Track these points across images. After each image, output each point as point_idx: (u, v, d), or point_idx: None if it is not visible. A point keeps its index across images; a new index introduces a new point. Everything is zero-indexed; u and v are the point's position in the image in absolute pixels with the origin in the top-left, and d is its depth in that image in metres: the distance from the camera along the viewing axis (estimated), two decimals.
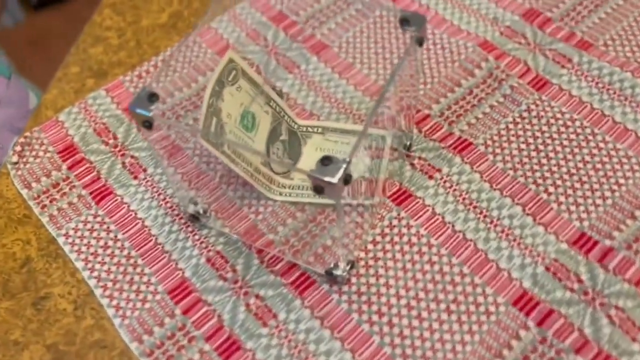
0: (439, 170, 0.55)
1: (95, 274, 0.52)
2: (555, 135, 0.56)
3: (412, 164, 0.56)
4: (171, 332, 0.48)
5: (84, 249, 0.53)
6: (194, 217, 0.53)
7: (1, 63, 0.61)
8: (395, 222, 0.53)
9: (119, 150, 0.59)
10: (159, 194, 0.56)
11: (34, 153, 0.59)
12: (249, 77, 0.52)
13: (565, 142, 0.56)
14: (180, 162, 0.57)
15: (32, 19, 1.90)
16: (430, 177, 0.55)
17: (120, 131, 0.61)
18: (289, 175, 0.56)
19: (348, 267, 0.49)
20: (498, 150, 0.56)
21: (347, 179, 0.38)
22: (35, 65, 1.78)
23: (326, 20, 0.67)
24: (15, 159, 0.59)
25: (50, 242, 0.54)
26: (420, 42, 0.44)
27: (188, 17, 0.70)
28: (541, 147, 0.56)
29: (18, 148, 0.60)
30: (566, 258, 0.49)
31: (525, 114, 0.58)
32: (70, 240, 0.54)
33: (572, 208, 0.52)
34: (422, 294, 0.49)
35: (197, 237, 0.53)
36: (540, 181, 0.54)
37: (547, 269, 0.49)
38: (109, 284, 0.51)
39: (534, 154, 0.56)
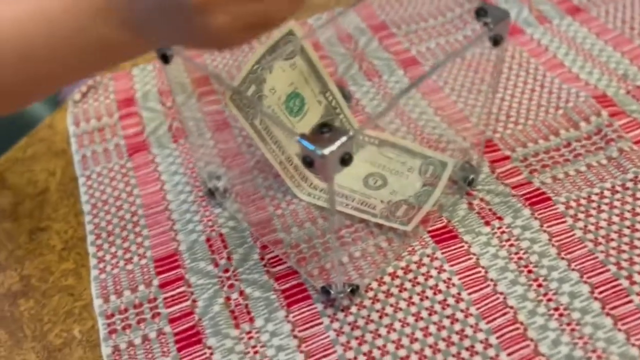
0: (500, 219, 0.45)
1: (96, 220, 0.49)
2: None
3: (470, 203, 0.47)
4: (140, 301, 0.43)
5: (97, 194, 0.50)
6: (211, 193, 0.49)
7: None
8: (426, 260, 0.43)
9: (172, 113, 0.57)
10: (189, 162, 0.52)
11: (95, 96, 0.59)
12: (308, 57, 0.47)
13: None
14: (223, 137, 0.53)
15: None
16: (487, 224, 0.45)
17: (179, 98, 0.58)
18: None
19: (347, 290, 0.41)
20: (581, 216, 0.45)
21: (344, 158, 0.30)
22: None
23: (427, 39, 0.61)
24: (77, 97, 0.59)
25: (72, 180, 0.52)
26: (495, 40, 0.36)
27: None
28: (639, 226, 0.44)
29: (84, 88, 0.60)
30: None
31: (629, 184, 0.47)
32: (89, 182, 0.51)
33: None
34: (428, 352, 0.39)
35: (207, 213, 0.48)
36: (625, 264, 0.42)
37: None
38: (103, 234, 0.47)
39: (627, 231, 0.44)
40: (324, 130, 0.30)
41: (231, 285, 0.43)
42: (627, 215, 0.45)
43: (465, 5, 0.63)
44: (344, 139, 0.30)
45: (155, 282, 0.44)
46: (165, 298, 0.43)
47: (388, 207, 0.46)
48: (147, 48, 0.34)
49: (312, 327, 0.41)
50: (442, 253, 0.44)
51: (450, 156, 0.49)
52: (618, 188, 0.46)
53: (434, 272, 0.43)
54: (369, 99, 0.56)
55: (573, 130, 0.51)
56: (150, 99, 0.58)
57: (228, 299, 0.43)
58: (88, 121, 0.57)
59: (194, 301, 0.43)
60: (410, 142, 0.50)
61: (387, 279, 0.43)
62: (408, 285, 0.42)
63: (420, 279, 0.42)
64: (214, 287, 0.43)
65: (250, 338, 0.40)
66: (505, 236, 0.44)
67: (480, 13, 0.36)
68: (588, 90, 0.54)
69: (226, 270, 0.44)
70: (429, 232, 0.45)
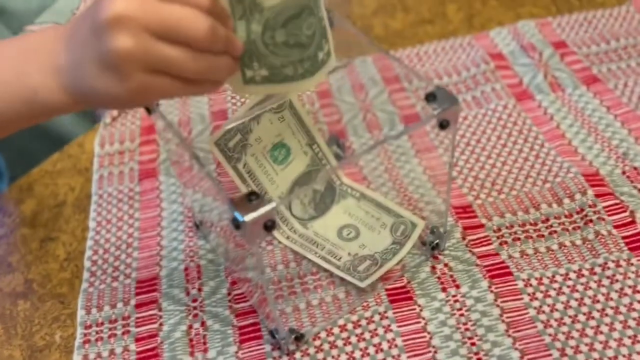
0: (457, 287, 0.46)
1: (97, 237, 0.54)
2: (622, 309, 0.44)
3: (433, 267, 0.48)
4: (115, 317, 0.48)
5: (104, 213, 0.56)
6: (197, 225, 0.53)
7: None
8: (377, 317, 0.45)
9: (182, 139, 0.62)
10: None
11: (124, 121, 0.65)
12: (296, 111, 0.50)
13: (632, 323, 0.43)
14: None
15: None
16: (444, 290, 0.46)
17: (197, 128, 0.63)
18: (306, 224, 0.52)
19: (292, 337, 0.43)
20: (539, 295, 0.45)
21: (267, 225, 0.33)
22: None
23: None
24: (108, 120, 0.65)
25: (87, 197, 0.58)
26: (442, 125, 0.38)
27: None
28: (596, 315, 0.44)
29: (115, 112, 0.66)
30: None
31: (597, 269, 0.46)
32: (100, 201, 0.57)
33: None
34: None
35: (191, 244, 0.52)
36: (569, 351, 0.42)
37: None
38: (100, 251, 0.53)
39: (582, 317, 0.44)
40: (252, 198, 0.34)
41: (195, 315, 0.47)
42: (587, 301, 0.45)
43: (480, 66, 0.65)
44: (266, 208, 0.33)
45: (133, 301, 0.49)
46: (137, 318, 0.48)
47: (352, 260, 0.48)
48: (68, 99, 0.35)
49: None
50: (394, 313, 0.46)
51: (425, 218, 0.50)
52: (585, 272, 0.46)
53: (380, 331, 0.45)
54: (364, 151, 0.58)
55: (556, 205, 0.51)
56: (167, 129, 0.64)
57: (190, 327, 0.47)
58: (112, 144, 0.63)
59: (161, 324, 0.47)
60: (388, 200, 0.52)
61: (336, 330, 0.45)
62: (354, 339, 0.44)
63: (367, 335, 0.45)
64: (180, 314, 0.47)
65: None
66: (457, 305, 0.45)
67: (429, 98, 0.38)
68: (581, 166, 0.53)
69: (195, 300, 0.48)
70: (387, 289, 0.47)
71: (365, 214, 0.52)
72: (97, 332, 0.47)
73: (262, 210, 0.33)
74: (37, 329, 0.48)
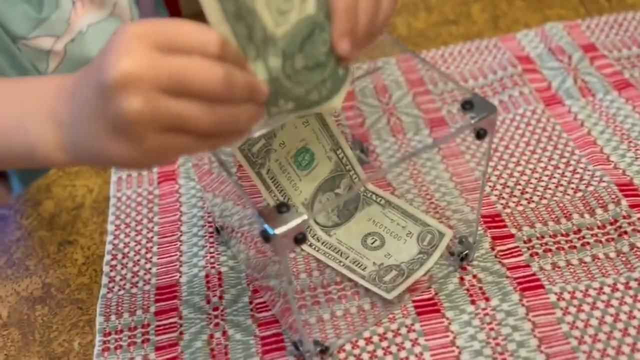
0: (487, 299, 0.45)
1: (116, 241, 0.53)
2: None
3: (461, 278, 0.47)
4: (135, 325, 0.47)
5: (122, 216, 0.55)
6: (217, 230, 0.52)
7: None
8: (404, 330, 0.44)
9: None
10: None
11: None
12: (321, 116, 0.49)
13: None
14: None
15: None
16: (473, 302, 0.45)
17: None
18: (329, 231, 0.51)
19: (317, 350, 0.42)
20: (572, 310, 0.44)
21: (298, 238, 0.32)
22: None
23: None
24: None
25: (105, 199, 0.57)
26: (479, 134, 0.37)
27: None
28: (632, 332, 0.42)
29: None
30: None
31: (633, 284, 0.45)
32: (119, 204, 0.56)
33: None
34: None
35: (212, 250, 0.51)
36: None
37: None
38: (119, 256, 0.52)
39: (617, 334, 0.42)
40: (282, 210, 0.32)
41: (217, 324, 0.46)
42: (622, 317, 0.43)
43: (508, 69, 0.63)
44: (297, 220, 0.32)
45: (152, 308, 0.48)
46: (157, 326, 0.47)
47: (378, 270, 0.47)
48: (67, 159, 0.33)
49: None
50: (421, 326, 0.44)
51: (452, 227, 0.49)
52: (620, 286, 0.45)
53: (407, 344, 0.43)
54: (388, 156, 0.57)
55: (588, 216, 0.49)
56: None
57: (211, 336, 0.46)
58: None
59: (181, 333, 0.46)
60: (414, 207, 0.51)
61: (361, 342, 0.44)
62: (380, 353, 0.43)
63: (393, 348, 0.43)
64: (201, 323, 0.46)
65: None
66: (487, 319, 0.44)
67: (465, 106, 0.37)
68: (614, 175, 0.52)
69: (216, 309, 0.47)
70: (414, 301, 0.46)
71: (391, 222, 0.50)
72: (116, 340, 0.46)
73: (293, 223, 0.32)
74: (55, 336, 0.48)
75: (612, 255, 0.47)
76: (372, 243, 0.49)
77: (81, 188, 0.59)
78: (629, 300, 0.44)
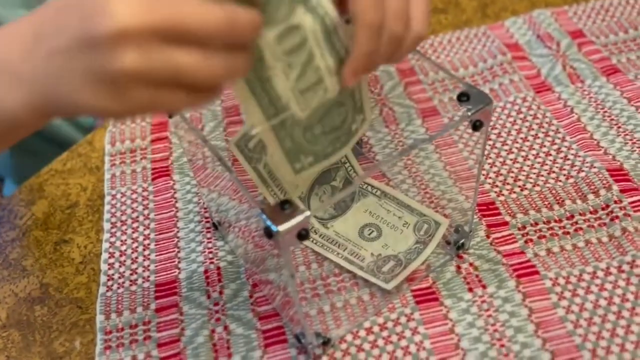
0: (484, 287, 0.46)
1: (113, 239, 0.53)
2: None
3: (458, 267, 0.47)
4: (136, 322, 0.47)
5: (118, 214, 0.55)
6: (215, 226, 0.52)
7: None
8: (403, 319, 0.45)
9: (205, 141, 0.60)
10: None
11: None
12: None
13: None
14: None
15: None
16: (470, 290, 0.46)
17: (210, 124, 0.62)
18: (326, 223, 0.51)
19: (319, 341, 0.43)
20: (567, 294, 0.45)
21: (301, 234, 0.32)
22: None
23: (452, 89, 0.61)
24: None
25: (99, 197, 0.57)
26: (475, 125, 0.37)
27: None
28: (625, 314, 0.43)
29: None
30: None
31: (625, 267, 0.46)
32: (114, 202, 0.56)
33: None
34: None
35: (210, 245, 0.51)
36: (601, 352, 0.41)
37: None
38: (116, 254, 0.52)
39: (612, 317, 0.43)
40: (285, 207, 0.32)
41: (218, 319, 0.47)
42: (616, 300, 0.44)
43: (497, 57, 0.63)
44: (300, 217, 0.32)
45: (153, 305, 0.48)
46: (158, 323, 0.47)
47: (376, 260, 0.47)
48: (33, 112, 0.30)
49: None
50: (420, 314, 0.45)
51: (448, 216, 0.50)
52: (613, 270, 0.46)
53: (407, 333, 0.44)
54: (382, 147, 0.57)
55: (580, 202, 0.50)
56: (181, 126, 0.62)
57: (213, 331, 0.46)
58: (123, 142, 0.61)
59: (183, 329, 0.46)
60: (409, 198, 0.51)
61: (362, 333, 0.44)
62: (381, 342, 0.44)
63: (394, 338, 0.44)
64: (202, 319, 0.47)
65: None
66: (485, 306, 0.45)
67: (461, 98, 0.37)
68: (605, 160, 0.53)
69: (216, 304, 0.47)
70: (413, 291, 0.46)
71: (387, 213, 0.51)
72: (117, 338, 0.46)
73: (297, 219, 0.32)
74: (55, 336, 0.48)
75: (605, 239, 0.48)
76: (369, 234, 0.50)
77: (75, 186, 0.58)
78: (622, 283, 0.45)
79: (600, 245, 0.47)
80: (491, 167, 0.54)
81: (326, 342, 0.43)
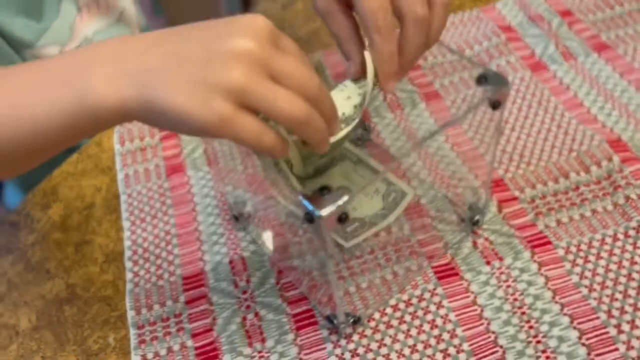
0: (501, 259, 0.48)
1: (134, 237, 0.54)
2: None
3: (474, 242, 0.50)
4: (167, 315, 0.48)
5: (136, 212, 0.56)
6: (235, 218, 0.53)
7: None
8: (427, 295, 0.47)
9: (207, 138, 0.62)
10: (219, 186, 0.57)
11: None
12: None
13: None
14: (252, 163, 0.57)
15: None
16: (488, 263, 0.48)
17: None
18: (304, 182, 0.52)
19: (350, 321, 0.45)
20: (580, 262, 0.47)
21: (341, 217, 0.34)
22: None
23: (452, 72, 0.63)
24: None
25: (115, 196, 0.58)
26: (494, 105, 0.39)
27: (325, 35, 0.71)
28: (635, 276, 0.46)
29: None
30: None
31: (631, 232, 0.48)
32: (130, 200, 0.57)
33: None
34: None
35: (232, 236, 0.53)
36: (615, 312, 0.44)
37: None
38: (139, 250, 0.53)
39: (622, 279, 0.46)
40: (324, 193, 0.34)
41: (248, 307, 0.48)
42: (625, 263, 0.47)
43: (492, 39, 0.65)
44: (341, 201, 0.34)
45: (182, 298, 0.49)
46: (189, 314, 0.48)
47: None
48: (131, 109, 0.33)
49: (316, 351, 0.45)
50: (443, 289, 0.47)
51: (459, 194, 0.52)
52: (620, 236, 0.48)
53: (432, 308, 0.46)
54: (390, 132, 0.59)
55: (584, 173, 0.53)
56: None
57: (244, 319, 0.47)
58: (132, 141, 0.62)
59: (214, 319, 0.48)
60: (382, 166, 0.53)
61: (389, 310, 0.46)
62: (408, 318, 0.46)
63: (420, 313, 0.46)
64: (232, 307, 0.48)
65: (261, 357, 0.45)
66: (503, 277, 0.47)
67: (480, 80, 0.39)
68: (603, 133, 0.55)
69: (244, 292, 0.49)
70: (433, 267, 0.48)
71: (360, 178, 0.53)
72: (150, 332, 0.48)
73: (338, 203, 0.34)
74: (88, 333, 0.49)
75: (610, 208, 0.50)
76: None
77: (89, 188, 0.59)
78: (629, 247, 0.48)
79: (606, 213, 0.50)
80: (497, 145, 0.56)
81: (356, 321, 0.45)
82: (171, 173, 0.59)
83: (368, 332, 0.45)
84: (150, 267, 0.52)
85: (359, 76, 0.41)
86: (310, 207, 0.34)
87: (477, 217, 0.50)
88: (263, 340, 0.46)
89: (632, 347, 0.42)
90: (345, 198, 0.34)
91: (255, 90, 0.32)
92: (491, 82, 0.39)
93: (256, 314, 0.47)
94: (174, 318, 0.48)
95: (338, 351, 0.45)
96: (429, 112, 0.60)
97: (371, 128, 0.59)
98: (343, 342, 0.45)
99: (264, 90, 0.32)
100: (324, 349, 0.45)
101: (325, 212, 0.34)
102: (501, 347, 0.43)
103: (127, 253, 0.53)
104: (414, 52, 0.39)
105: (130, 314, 0.49)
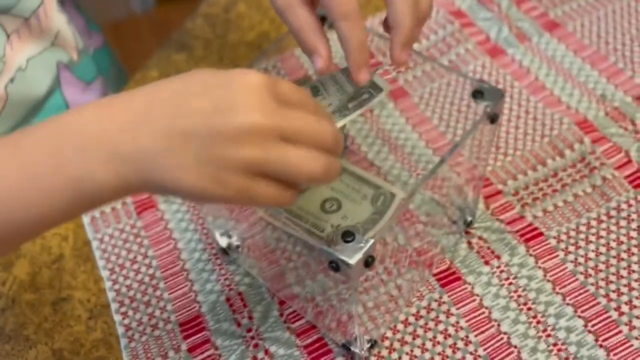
0: (498, 257, 0.49)
1: (117, 287, 0.51)
2: None
3: (469, 243, 0.50)
4: None
5: (113, 258, 0.52)
6: (224, 251, 0.51)
7: (88, 63, 0.61)
8: (434, 305, 0.47)
9: None
10: (198, 218, 0.54)
11: None
12: None
13: None
14: None
15: (160, 8, 1.99)
16: (487, 263, 0.49)
17: None
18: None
19: (368, 345, 0.44)
20: (572, 249, 0.49)
21: (367, 261, 0.33)
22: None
23: (413, 67, 0.62)
24: None
25: (84, 244, 0.54)
26: (492, 119, 0.39)
27: (274, 38, 0.68)
28: (624, 256, 0.48)
29: None
30: None
31: (613, 213, 0.50)
32: (103, 246, 0.53)
33: None
34: None
35: (223, 272, 0.50)
36: (613, 295, 0.46)
37: None
38: (126, 301, 0.50)
39: (613, 261, 0.48)
40: (348, 240, 0.33)
41: (256, 345, 0.46)
42: (613, 244, 0.49)
43: (447, 27, 0.65)
44: (367, 247, 0.33)
45: (184, 346, 0.47)
46: None
47: (335, 231, 0.49)
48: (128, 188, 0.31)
49: None
50: (449, 296, 0.47)
51: (446, 195, 0.52)
52: (603, 217, 0.50)
53: (442, 317, 0.46)
54: (363, 137, 0.58)
55: (559, 158, 0.54)
56: None
57: (255, 358, 0.46)
58: None
59: None
60: (367, 172, 0.53)
61: (400, 326, 0.46)
62: (420, 331, 0.46)
63: (431, 324, 0.46)
64: (240, 348, 0.46)
65: None
66: (504, 275, 0.48)
67: (476, 96, 0.38)
68: (570, 115, 0.57)
69: (249, 330, 0.47)
70: (434, 275, 0.49)
71: (347, 187, 0.52)
72: None
73: (365, 249, 0.33)
74: None
75: (589, 190, 0.52)
76: (329, 207, 0.51)
77: (53, 238, 0.55)
78: (613, 228, 0.50)
79: (586, 196, 0.52)
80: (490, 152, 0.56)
81: (373, 345, 0.45)
82: (142, 210, 0.55)
83: (384, 352, 0.45)
84: (142, 317, 0.49)
85: (328, 70, 0.40)
86: (337, 256, 0.32)
87: (469, 218, 0.50)
88: None
89: (634, 327, 0.44)
90: (371, 241, 0.33)
91: (268, 161, 0.31)
92: (488, 97, 0.38)
93: (266, 352, 0.46)
94: None
95: None
96: (399, 112, 0.59)
97: (347, 135, 0.57)
98: None
99: (277, 158, 0.31)
100: None
101: (354, 260, 0.32)
102: (515, 347, 0.44)
103: (114, 306, 0.50)
104: (408, 24, 0.38)
105: None
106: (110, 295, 0.50)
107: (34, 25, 0.55)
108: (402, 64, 0.39)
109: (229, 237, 0.51)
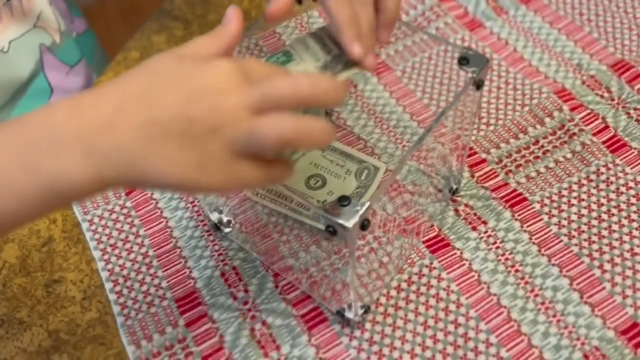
0: (485, 223, 0.50)
1: (110, 266, 0.51)
2: (623, 206, 0.50)
3: (456, 210, 0.51)
4: (170, 342, 0.46)
5: (104, 238, 0.52)
6: (217, 226, 0.51)
7: (71, 45, 0.60)
8: (425, 270, 0.48)
9: None
10: (188, 195, 0.54)
11: None
12: None
13: (634, 216, 0.50)
14: None
15: None
16: (474, 229, 0.50)
17: None
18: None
19: (362, 311, 0.45)
20: (555, 212, 0.50)
21: (364, 224, 0.34)
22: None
23: (394, 41, 0.63)
24: None
25: (74, 226, 0.54)
26: (478, 85, 0.40)
27: (255, 17, 0.68)
28: (604, 217, 0.50)
29: None
30: (610, 349, 0.43)
31: (593, 177, 0.52)
32: (93, 227, 0.53)
33: (629, 292, 0.46)
34: (439, 357, 0.44)
35: (216, 247, 0.51)
36: (596, 255, 0.48)
37: (586, 357, 0.43)
38: (120, 280, 0.50)
39: (595, 222, 0.50)
40: (344, 204, 0.34)
41: (253, 317, 0.47)
42: (594, 207, 0.51)
43: (425, 2, 0.66)
44: (363, 210, 0.34)
45: (181, 321, 0.47)
46: (194, 336, 0.47)
47: (321, 207, 0.50)
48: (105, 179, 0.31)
49: (333, 347, 0.45)
50: (439, 262, 0.49)
51: (431, 164, 0.53)
52: (584, 181, 0.52)
53: (434, 282, 0.48)
54: (349, 112, 0.59)
55: (539, 126, 0.56)
56: None
57: (252, 330, 0.47)
58: None
59: (222, 336, 0.46)
60: (350, 147, 0.54)
61: (393, 292, 0.48)
62: (413, 296, 0.47)
63: (423, 289, 0.47)
64: (237, 320, 0.47)
65: None
66: (491, 239, 0.49)
67: (462, 62, 0.39)
68: (549, 84, 0.58)
69: (245, 303, 0.48)
70: (424, 242, 0.50)
71: (330, 163, 0.53)
72: None
73: (361, 212, 0.33)
74: None
75: (569, 156, 0.54)
76: (314, 184, 0.52)
77: (42, 221, 0.54)
78: (594, 191, 0.51)
79: (567, 162, 0.53)
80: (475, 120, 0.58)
81: (367, 310, 0.46)
82: (130, 190, 0.55)
83: (379, 317, 0.46)
84: (137, 295, 0.49)
85: (279, 13, 0.39)
86: (334, 220, 0.33)
87: (454, 186, 0.51)
88: (278, 348, 0.46)
89: (616, 284, 0.46)
90: (367, 204, 0.34)
91: (238, 136, 0.31)
92: (473, 63, 0.39)
93: (264, 323, 0.47)
94: (178, 344, 0.46)
95: (355, 343, 0.45)
96: (383, 86, 0.60)
97: (331, 111, 0.58)
98: (357, 332, 0.46)
99: (245, 129, 0.31)
100: (341, 343, 0.45)
101: (351, 223, 0.33)
102: (505, 307, 0.46)
103: (108, 285, 0.50)
104: (394, 6, 0.39)
105: (130, 349, 0.46)
106: (104, 275, 0.50)
107: (16, 7, 0.54)
108: (385, 42, 0.40)
109: (220, 212, 0.52)
